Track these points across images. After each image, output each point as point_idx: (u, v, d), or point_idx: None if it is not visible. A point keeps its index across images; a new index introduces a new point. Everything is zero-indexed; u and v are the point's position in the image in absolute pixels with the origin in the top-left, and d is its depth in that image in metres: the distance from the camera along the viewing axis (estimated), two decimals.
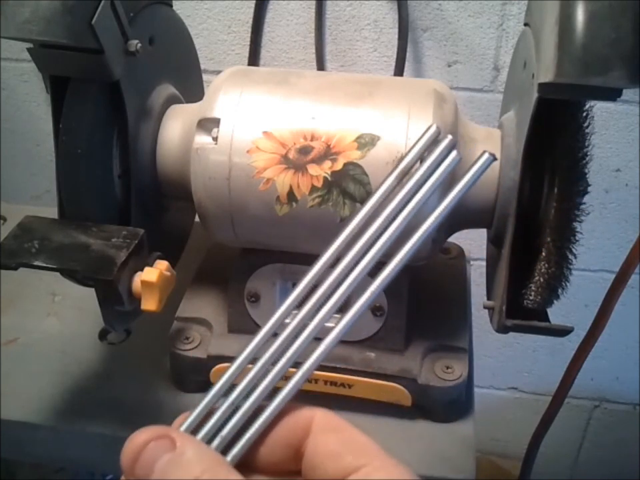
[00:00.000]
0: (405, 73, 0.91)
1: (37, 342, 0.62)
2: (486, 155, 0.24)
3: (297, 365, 0.27)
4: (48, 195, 1.09)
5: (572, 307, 0.87)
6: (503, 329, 0.48)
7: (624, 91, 0.42)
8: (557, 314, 0.49)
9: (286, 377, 0.27)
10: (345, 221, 0.48)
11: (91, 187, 0.49)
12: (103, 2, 0.45)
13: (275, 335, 0.28)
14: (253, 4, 0.92)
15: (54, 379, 0.58)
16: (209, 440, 0.26)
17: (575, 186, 0.46)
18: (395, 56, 0.90)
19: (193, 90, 0.63)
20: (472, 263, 0.74)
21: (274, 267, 0.53)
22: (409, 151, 0.26)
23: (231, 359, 0.57)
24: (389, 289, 0.52)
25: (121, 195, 0.52)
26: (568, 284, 0.47)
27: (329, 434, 0.26)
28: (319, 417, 0.27)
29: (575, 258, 0.47)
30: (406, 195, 0.25)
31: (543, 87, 0.43)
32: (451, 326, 0.57)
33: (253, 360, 0.27)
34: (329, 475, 0.25)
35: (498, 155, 0.50)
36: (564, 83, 0.41)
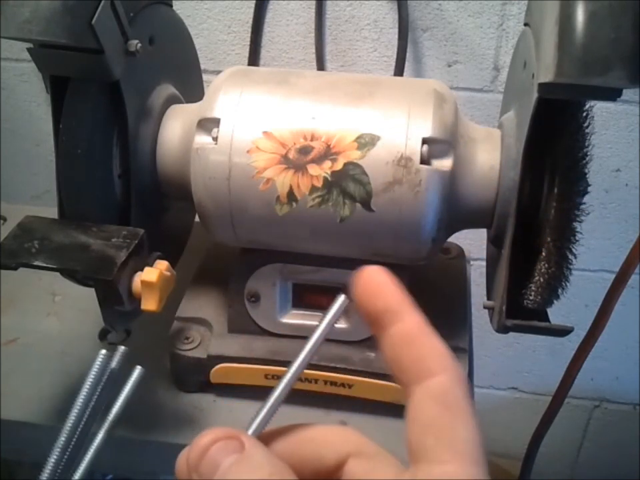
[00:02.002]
0: (405, 73, 0.91)
1: (36, 342, 0.62)
2: (342, 298, 0.27)
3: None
4: (48, 195, 1.09)
5: (572, 307, 0.87)
6: (503, 329, 0.48)
7: (624, 90, 0.42)
8: (557, 314, 0.49)
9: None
10: (344, 221, 0.48)
11: (91, 186, 0.49)
12: (102, 2, 0.45)
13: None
14: (253, 4, 0.92)
15: (54, 379, 0.58)
16: None
17: (575, 186, 0.46)
18: (395, 56, 0.90)
19: (193, 90, 0.63)
20: (472, 262, 0.74)
21: (274, 266, 0.53)
22: (320, 322, 0.27)
23: (231, 359, 0.57)
24: None
25: (120, 195, 0.52)
26: (568, 284, 0.47)
27: (435, 404, 0.24)
28: (440, 381, 0.24)
29: (575, 258, 0.47)
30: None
31: (543, 86, 0.43)
32: (450, 326, 0.57)
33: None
34: (411, 440, 0.24)
35: (498, 155, 0.50)
36: (564, 83, 0.41)
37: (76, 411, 0.33)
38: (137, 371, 0.33)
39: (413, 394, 0.25)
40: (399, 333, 0.26)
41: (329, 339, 0.54)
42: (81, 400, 0.32)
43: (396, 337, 0.26)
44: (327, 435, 0.26)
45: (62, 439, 0.32)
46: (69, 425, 0.39)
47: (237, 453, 0.23)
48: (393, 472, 0.25)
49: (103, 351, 0.31)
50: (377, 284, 0.27)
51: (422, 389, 0.24)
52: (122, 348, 0.34)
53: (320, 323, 0.27)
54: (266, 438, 0.26)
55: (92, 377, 0.32)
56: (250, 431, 0.25)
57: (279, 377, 0.57)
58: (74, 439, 0.38)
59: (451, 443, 0.23)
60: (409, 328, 0.26)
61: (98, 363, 0.29)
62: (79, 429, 0.38)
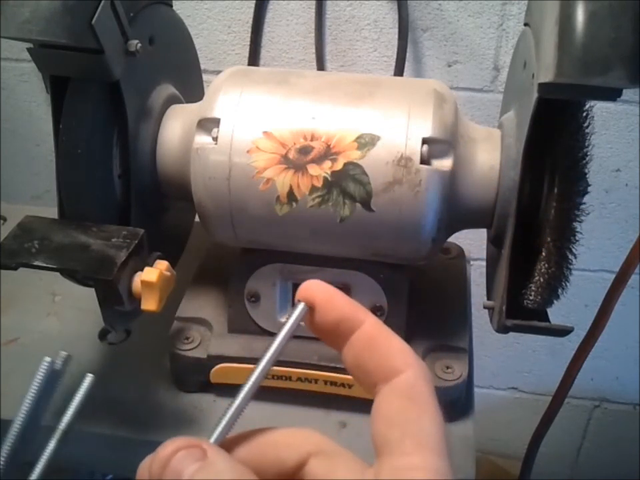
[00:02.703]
0: (405, 73, 0.91)
1: (36, 342, 0.62)
2: (301, 305, 0.27)
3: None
4: (48, 195, 1.09)
5: (572, 307, 0.87)
6: (503, 329, 0.48)
7: (624, 90, 0.42)
8: (557, 314, 0.49)
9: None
10: (344, 221, 0.48)
11: (91, 187, 0.49)
12: (102, 2, 0.45)
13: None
14: (253, 4, 0.92)
15: None
16: None
17: (575, 186, 0.46)
18: (395, 56, 0.90)
19: (193, 90, 0.63)
20: (472, 262, 0.74)
21: (274, 266, 0.53)
22: (280, 330, 0.28)
23: (231, 359, 0.57)
24: (389, 289, 0.53)
25: (120, 195, 0.52)
26: (568, 284, 0.47)
27: (399, 398, 0.25)
28: (406, 378, 0.25)
29: (575, 258, 0.47)
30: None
31: (543, 86, 0.43)
32: (451, 326, 0.57)
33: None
34: (376, 435, 0.24)
35: (498, 155, 0.50)
36: (564, 83, 0.41)
37: (18, 422, 0.33)
38: (88, 378, 0.32)
39: (379, 392, 0.25)
40: (360, 337, 0.26)
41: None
42: (24, 409, 0.32)
43: (358, 342, 0.26)
44: (287, 437, 0.27)
45: (5, 447, 0.32)
46: (12, 434, 0.38)
47: (200, 460, 0.23)
48: (355, 469, 0.26)
49: (47, 358, 0.32)
50: (324, 297, 0.27)
51: (388, 386, 0.25)
52: (63, 353, 0.34)
53: (280, 331, 0.27)
54: (228, 444, 0.26)
55: (36, 384, 0.31)
56: (212, 439, 0.25)
57: (279, 377, 0.57)
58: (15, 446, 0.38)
59: (416, 436, 0.24)
60: (368, 331, 0.26)
61: (42, 370, 0.29)
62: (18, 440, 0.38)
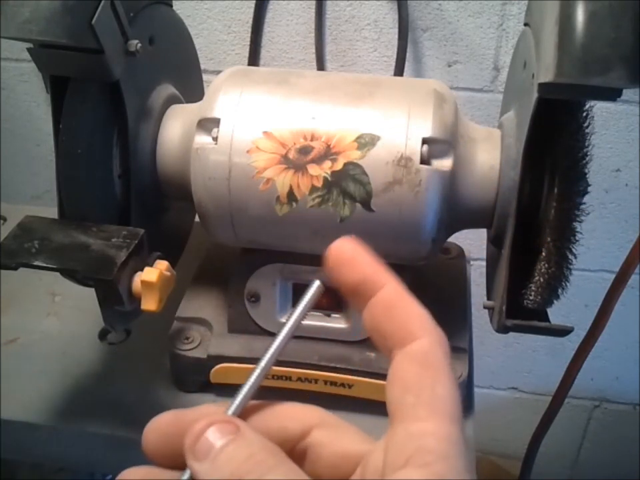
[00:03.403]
0: (405, 73, 0.91)
1: (36, 342, 0.62)
2: (317, 283, 0.28)
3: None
4: (48, 195, 1.09)
5: (572, 307, 0.87)
6: (503, 329, 0.48)
7: (624, 90, 0.42)
8: (556, 314, 0.49)
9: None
10: (344, 221, 0.48)
11: (91, 186, 0.49)
12: (102, 2, 0.45)
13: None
14: (253, 4, 0.92)
15: (54, 379, 0.58)
16: None
17: (575, 186, 0.46)
18: (394, 56, 0.90)
19: (193, 90, 0.63)
20: (472, 262, 0.74)
21: (274, 266, 0.53)
22: (296, 308, 0.28)
23: (231, 359, 0.57)
24: None
25: (120, 195, 0.52)
26: (568, 284, 0.47)
27: (414, 364, 0.25)
28: (421, 344, 0.25)
29: (575, 258, 0.47)
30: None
31: (543, 87, 0.43)
32: (450, 326, 0.57)
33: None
34: (391, 400, 0.25)
35: (498, 155, 0.50)
36: (564, 83, 0.41)
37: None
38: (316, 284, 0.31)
39: (394, 358, 0.25)
40: (379, 301, 0.26)
41: (329, 338, 0.55)
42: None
43: (377, 305, 0.26)
44: (291, 409, 0.28)
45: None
46: None
47: (232, 434, 0.24)
48: (358, 439, 0.26)
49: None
50: (351, 256, 0.27)
51: (404, 352, 0.25)
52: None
53: (295, 309, 0.28)
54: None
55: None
56: (230, 411, 0.26)
57: (278, 377, 0.57)
58: None
59: (430, 402, 0.24)
60: (388, 295, 0.26)
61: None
62: None
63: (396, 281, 0.27)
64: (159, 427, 0.27)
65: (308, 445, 0.27)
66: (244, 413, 0.27)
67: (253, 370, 0.27)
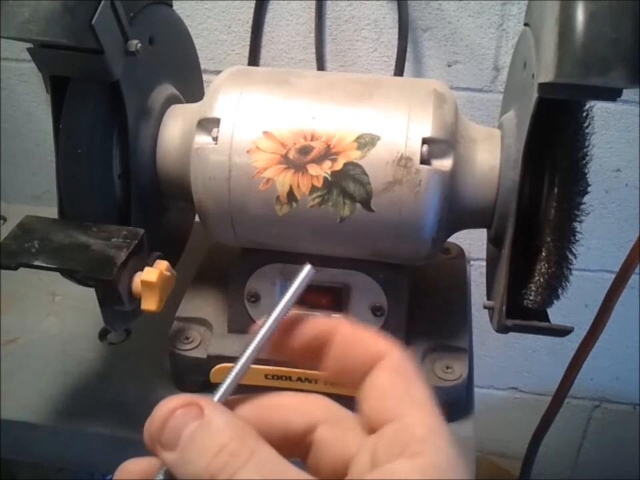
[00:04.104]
0: (405, 73, 0.91)
1: (36, 342, 0.62)
2: (308, 267, 0.28)
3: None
4: (48, 195, 1.09)
5: (572, 307, 0.87)
6: (503, 329, 0.48)
7: (624, 90, 0.42)
8: (557, 314, 0.49)
9: None
10: (344, 221, 0.48)
11: (91, 186, 0.49)
12: (102, 2, 0.45)
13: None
14: (253, 4, 0.92)
15: (54, 379, 0.58)
16: None
17: (575, 186, 0.46)
18: (395, 56, 0.90)
19: (193, 90, 0.63)
20: (472, 262, 0.74)
21: (274, 266, 0.53)
22: (286, 293, 0.28)
23: (231, 359, 0.57)
24: (389, 289, 0.53)
25: (120, 194, 0.52)
26: (568, 284, 0.47)
27: (388, 373, 0.26)
28: (391, 356, 0.26)
29: (575, 258, 0.47)
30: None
31: (543, 87, 0.43)
32: (450, 326, 0.57)
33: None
34: (371, 410, 0.25)
35: (498, 155, 0.50)
36: (564, 83, 0.41)
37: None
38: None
39: (367, 378, 0.26)
40: (340, 340, 0.27)
41: None
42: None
43: (338, 344, 0.27)
44: (296, 402, 0.27)
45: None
46: None
47: (197, 419, 0.24)
48: (362, 437, 0.26)
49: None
50: (297, 320, 0.28)
51: (376, 367, 0.26)
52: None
53: (286, 292, 0.28)
54: (233, 403, 0.26)
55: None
56: (216, 397, 0.26)
57: (279, 377, 0.57)
58: None
59: (412, 401, 0.25)
60: (347, 331, 0.27)
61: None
62: None
63: (343, 319, 0.28)
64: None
65: (312, 442, 0.26)
66: (246, 404, 0.26)
67: (241, 354, 0.26)
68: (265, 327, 0.27)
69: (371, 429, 0.25)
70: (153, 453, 0.24)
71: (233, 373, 0.26)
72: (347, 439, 0.26)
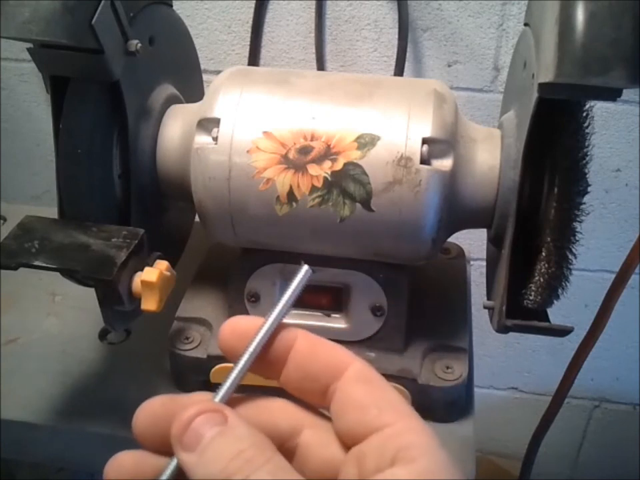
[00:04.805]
0: (405, 73, 0.91)
1: (36, 342, 0.62)
2: (305, 267, 0.28)
3: None
4: (48, 195, 1.09)
5: (572, 307, 0.87)
6: (503, 329, 0.48)
7: (624, 90, 0.42)
8: (556, 314, 0.49)
9: None
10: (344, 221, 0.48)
11: (91, 186, 0.49)
12: (102, 2, 0.45)
13: None
14: (253, 4, 0.92)
15: (54, 379, 0.58)
16: None
17: (575, 186, 0.46)
18: (395, 56, 0.90)
19: (193, 90, 0.63)
20: (472, 262, 0.74)
21: (274, 266, 0.53)
22: (284, 293, 0.28)
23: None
24: (389, 289, 0.53)
25: (120, 194, 0.52)
26: (568, 284, 0.47)
27: (359, 384, 0.26)
28: (355, 367, 0.26)
29: (575, 258, 0.47)
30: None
31: (543, 87, 0.43)
32: (451, 326, 0.57)
33: None
34: (351, 424, 0.25)
35: (498, 155, 0.50)
36: (564, 83, 0.41)
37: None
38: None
39: (335, 390, 0.26)
40: (299, 350, 0.27)
41: (329, 339, 0.54)
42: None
43: (297, 356, 0.27)
44: (283, 406, 0.27)
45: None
46: None
47: (220, 425, 0.24)
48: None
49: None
50: (252, 326, 0.28)
51: (343, 379, 0.26)
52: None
53: (284, 293, 0.28)
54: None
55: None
56: (217, 398, 0.26)
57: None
58: None
59: (392, 407, 0.25)
60: (305, 341, 0.27)
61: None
62: None
63: (302, 330, 0.28)
64: (150, 410, 0.27)
65: (298, 445, 0.27)
66: (235, 405, 0.27)
67: (241, 355, 0.27)
68: (264, 328, 0.27)
69: (352, 442, 0.25)
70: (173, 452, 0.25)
71: (233, 374, 0.26)
72: (331, 444, 0.26)
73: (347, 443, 0.25)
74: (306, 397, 0.27)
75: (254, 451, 0.23)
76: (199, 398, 0.27)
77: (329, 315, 0.54)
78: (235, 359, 0.27)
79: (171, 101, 0.56)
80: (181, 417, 0.24)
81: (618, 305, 0.67)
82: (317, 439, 0.26)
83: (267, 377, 0.28)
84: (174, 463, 0.25)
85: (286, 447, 0.26)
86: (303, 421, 0.27)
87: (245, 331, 0.27)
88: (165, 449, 0.25)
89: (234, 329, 0.27)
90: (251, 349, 0.27)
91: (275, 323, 0.27)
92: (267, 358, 0.27)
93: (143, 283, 0.45)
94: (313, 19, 0.92)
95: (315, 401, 0.27)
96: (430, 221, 0.48)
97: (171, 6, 0.58)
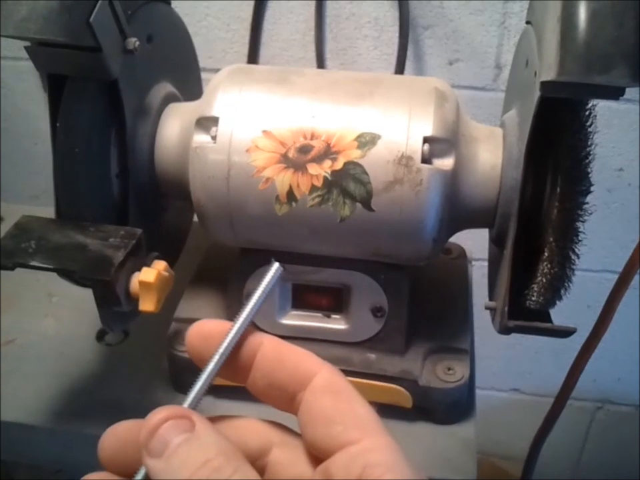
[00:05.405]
0: (406, 71, 0.90)
1: (34, 343, 0.62)
2: (276, 265, 0.28)
3: None
4: (46, 195, 1.08)
5: (574, 308, 0.86)
6: (505, 330, 0.48)
7: (627, 89, 0.42)
8: (559, 315, 0.48)
9: None
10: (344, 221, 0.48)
11: (89, 186, 0.49)
12: (100, 0, 0.44)
13: None
14: (252, 2, 0.92)
15: (51, 380, 0.57)
16: None
17: (577, 185, 0.45)
18: (395, 54, 0.89)
19: (191, 88, 0.62)
20: (474, 263, 0.73)
21: None
22: (254, 291, 0.28)
23: None
24: (390, 290, 0.52)
25: (118, 194, 0.52)
26: (570, 284, 0.47)
27: (326, 395, 0.25)
28: (322, 376, 0.26)
29: (578, 258, 0.46)
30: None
31: (545, 85, 0.42)
32: (452, 327, 0.57)
33: None
34: (317, 437, 0.25)
35: (500, 154, 0.50)
36: (566, 82, 0.41)
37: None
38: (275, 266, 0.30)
39: (302, 401, 0.26)
40: (265, 356, 0.27)
41: (329, 340, 0.54)
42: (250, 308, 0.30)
43: (263, 361, 0.27)
44: (252, 425, 0.27)
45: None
46: None
47: (187, 432, 0.24)
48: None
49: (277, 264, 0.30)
50: (218, 329, 0.27)
51: (310, 389, 0.26)
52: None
53: (255, 291, 0.27)
54: None
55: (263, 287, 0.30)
56: (186, 403, 0.26)
57: None
58: None
59: (358, 422, 0.25)
60: (271, 347, 0.27)
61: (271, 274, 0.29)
62: None
63: (268, 335, 0.27)
64: (116, 435, 0.26)
65: (267, 463, 0.26)
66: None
67: (210, 358, 0.26)
68: (234, 329, 0.27)
69: (320, 454, 0.25)
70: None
71: (201, 380, 0.26)
72: (300, 462, 0.26)
73: (315, 454, 0.25)
74: (273, 403, 0.27)
75: (221, 460, 0.23)
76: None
77: (329, 316, 0.54)
78: (202, 364, 0.26)
79: (170, 99, 0.56)
80: (148, 422, 0.24)
81: (620, 306, 0.67)
82: (286, 458, 0.26)
83: (235, 382, 0.27)
84: (143, 470, 0.24)
85: (256, 466, 0.26)
86: (272, 439, 0.27)
87: (212, 334, 0.27)
88: (131, 475, 0.25)
89: (201, 333, 0.27)
90: (218, 354, 0.26)
91: (242, 326, 0.27)
92: (234, 363, 0.27)
93: (141, 283, 0.45)
94: (313, 16, 0.92)
95: (283, 407, 0.27)
96: (431, 221, 0.47)
97: (169, 4, 0.58)
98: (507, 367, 1.19)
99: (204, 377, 0.26)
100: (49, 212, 0.50)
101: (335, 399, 0.25)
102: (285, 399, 0.26)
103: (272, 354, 0.27)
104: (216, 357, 0.26)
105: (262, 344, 0.27)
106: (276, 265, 0.28)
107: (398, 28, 0.89)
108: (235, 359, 0.27)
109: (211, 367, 0.26)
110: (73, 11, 0.43)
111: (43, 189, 1.08)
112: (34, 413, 0.55)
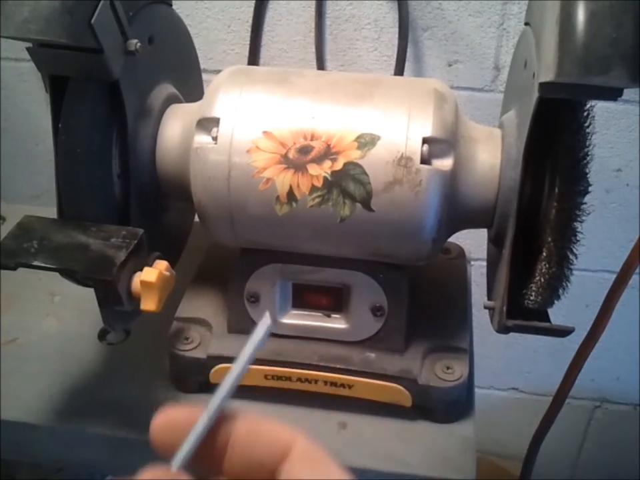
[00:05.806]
0: (405, 73, 0.91)
1: (36, 342, 0.62)
2: (268, 321, 0.27)
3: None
4: (47, 195, 1.08)
5: (573, 307, 0.87)
6: (503, 330, 0.48)
7: (625, 90, 0.42)
8: (557, 314, 0.48)
9: None
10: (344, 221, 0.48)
11: (90, 186, 0.49)
12: (102, 1, 0.45)
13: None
14: (252, 3, 0.92)
15: (53, 380, 0.58)
16: None
17: (575, 186, 0.46)
18: (395, 55, 0.90)
19: (192, 89, 0.63)
20: (472, 262, 0.74)
21: (274, 266, 0.53)
22: (246, 347, 0.27)
23: (230, 360, 0.56)
24: (389, 289, 0.52)
25: (120, 194, 0.52)
26: (569, 284, 0.47)
27: (304, 465, 0.26)
28: (298, 447, 0.26)
29: (576, 258, 0.46)
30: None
31: (543, 86, 0.42)
32: (451, 326, 0.57)
33: None
34: None
35: (498, 155, 0.50)
36: (565, 83, 0.41)
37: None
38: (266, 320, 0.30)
39: (281, 472, 0.26)
40: (239, 435, 0.26)
41: (329, 339, 0.54)
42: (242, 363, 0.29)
43: (238, 441, 0.26)
44: (274, 431, 0.27)
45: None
46: None
47: None
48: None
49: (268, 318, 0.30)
50: (190, 415, 0.26)
51: (288, 461, 0.25)
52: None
53: (246, 347, 0.27)
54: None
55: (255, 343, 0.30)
56: (177, 464, 0.25)
57: (278, 378, 0.57)
58: None
59: None
60: (245, 425, 0.26)
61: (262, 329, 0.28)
62: None
63: (241, 412, 0.27)
64: (168, 419, 0.26)
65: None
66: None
67: (200, 416, 0.26)
68: (225, 385, 0.26)
69: None
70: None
71: (192, 438, 0.25)
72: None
73: None
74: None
75: None
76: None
77: (329, 315, 0.54)
78: (168, 455, 0.25)
79: (171, 100, 0.56)
80: None
81: (618, 305, 0.67)
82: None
83: (207, 470, 0.26)
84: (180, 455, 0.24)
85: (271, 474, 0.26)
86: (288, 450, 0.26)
87: (178, 424, 0.26)
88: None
89: (166, 423, 0.26)
90: (213, 403, 0.26)
91: (238, 378, 0.26)
92: (206, 452, 0.26)
93: (143, 283, 0.45)
94: (313, 18, 0.92)
95: None
96: (430, 221, 0.48)
97: (171, 5, 0.58)
98: (506, 366, 1.19)
99: (195, 435, 0.25)
100: (50, 212, 0.50)
101: (312, 467, 0.26)
102: (264, 474, 0.26)
103: (247, 431, 0.26)
104: (205, 418, 0.26)
105: (235, 423, 0.26)
106: (268, 321, 0.27)
107: (397, 29, 0.89)
108: (206, 448, 0.26)
109: (204, 420, 0.25)
110: (75, 12, 0.44)
111: (44, 189, 1.08)
112: (35, 412, 0.55)
